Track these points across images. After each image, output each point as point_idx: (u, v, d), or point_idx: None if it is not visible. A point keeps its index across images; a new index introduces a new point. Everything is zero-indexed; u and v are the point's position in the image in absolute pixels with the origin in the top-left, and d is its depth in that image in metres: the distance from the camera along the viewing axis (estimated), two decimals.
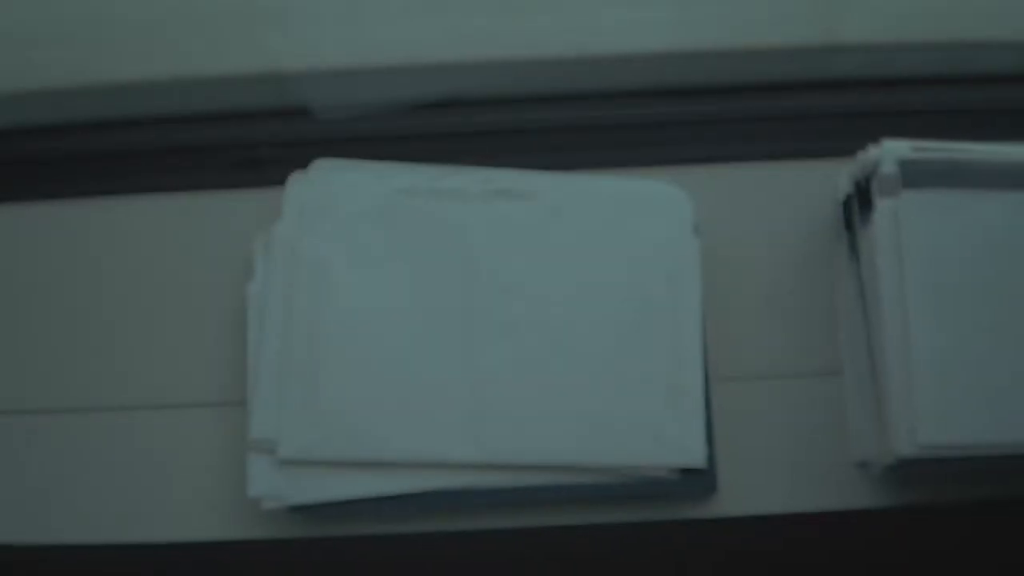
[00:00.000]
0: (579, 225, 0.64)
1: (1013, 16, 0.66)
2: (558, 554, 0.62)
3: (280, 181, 0.65)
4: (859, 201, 0.62)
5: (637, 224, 0.64)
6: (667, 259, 0.63)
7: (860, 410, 0.62)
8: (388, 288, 0.63)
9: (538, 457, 0.60)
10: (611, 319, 0.62)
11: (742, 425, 0.63)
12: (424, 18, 0.68)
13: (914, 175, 0.61)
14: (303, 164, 0.65)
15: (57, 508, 0.63)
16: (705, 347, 0.63)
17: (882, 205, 0.60)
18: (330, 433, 0.60)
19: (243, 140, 0.69)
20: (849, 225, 0.63)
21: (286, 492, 0.60)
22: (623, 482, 0.61)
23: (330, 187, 0.65)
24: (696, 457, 0.61)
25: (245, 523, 0.62)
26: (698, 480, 0.61)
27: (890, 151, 0.61)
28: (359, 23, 0.68)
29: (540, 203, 0.65)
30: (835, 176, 0.64)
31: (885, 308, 0.59)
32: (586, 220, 0.64)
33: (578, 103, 0.68)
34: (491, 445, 0.60)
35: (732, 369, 0.64)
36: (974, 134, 0.63)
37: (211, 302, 0.65)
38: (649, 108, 0.68)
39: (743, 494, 0.62)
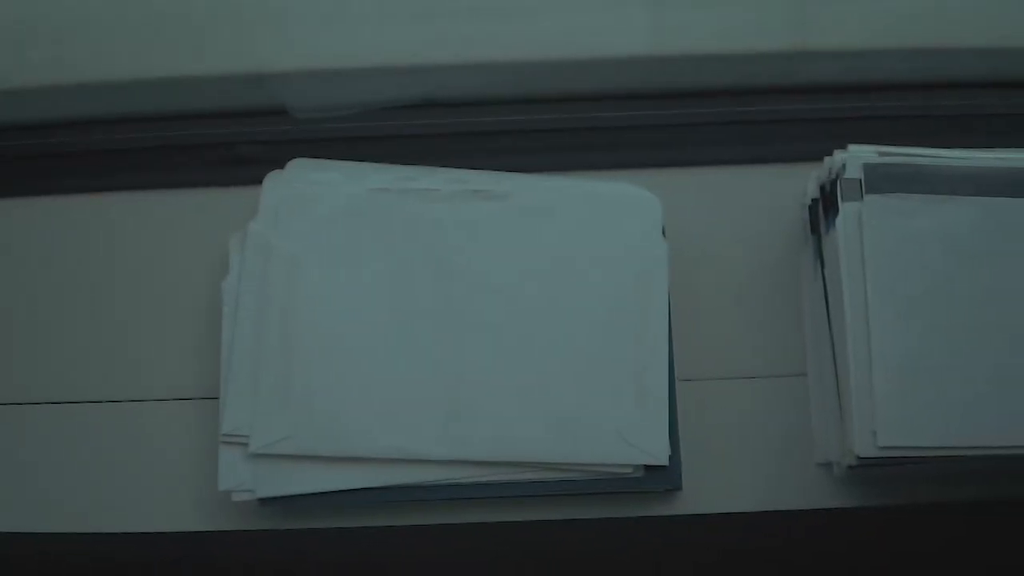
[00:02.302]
0: (550, 226, 0.65)
1: (981, 23, 0.67)
2: (525, 550, 0.63)
3: (258, 180, 0.66)
4: (824, 205, 0.63)
5: (607, 226, 0.65)
6: (636, 261, 0.64)
7: (823, 411, 0.63)
8: (361, 286, 0.64)
9: (504, 453, 0.61)
10: (580, 319, 0.63)
11: (708, 424, 0.64)
12: (401, 21, 0.69)
13: (879, 180, 0.61)
14: (281, 163, 0.67)
15: (30, 497, 0.64)
16: (672, 347, 0.64)
17: (845, 209, 0.61)
18: (300, 427, 0.61)
19: (222, 139, 0.70)
20: (815, 229, 0.64)
21: (256, 485, 0.61)
22: (589, 479, 0.62)
23: (305, 186, 0.66)
24: (659, 455, 0.61)
25: (216, 515, 0.63)
26: (662, 478, 0.62)
27: (855, 156, 0.62)
28: (338, 25, 0.69)
29: (512, 204, 0.65)
30: (803, 180, 0.65)
31: (847, 311, 0.60)
32: (557, 221, 0.65)
33: (552, 106, 0.69)
34: (459, 440, 0.61)
35: (699, 369, 0.65)
36: (943, 139, 0.64)
37: (188, 298, 0.66)
38: (621, 111, 0.69)
39: (708, 493, 0.63)
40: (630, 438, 0.61)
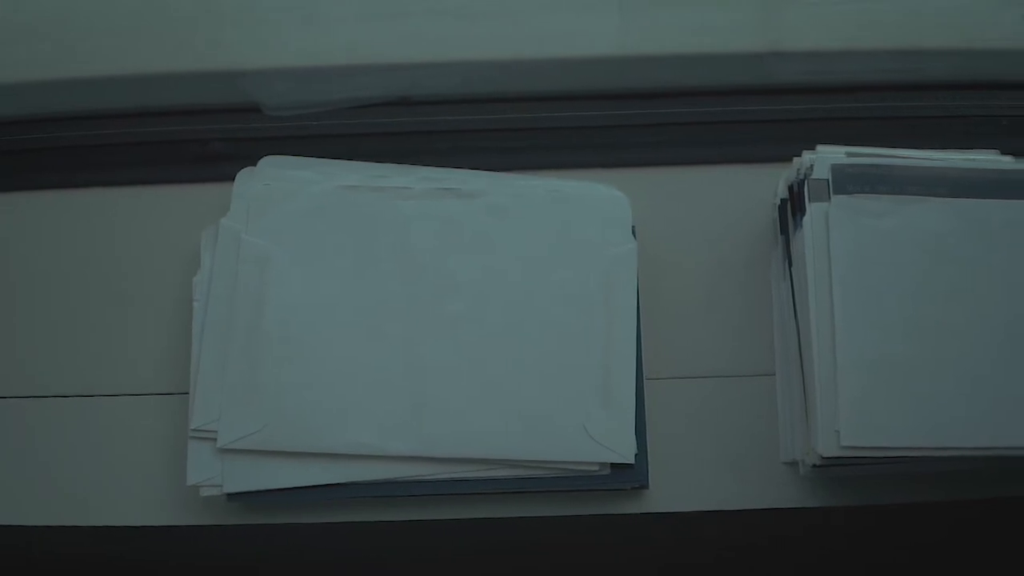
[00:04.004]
0: (519, 225, 0.65)
1: (951, 25, 0.67)
2: (492, 546, 0.63)
3: (231, 176, 0.66)
4: (792, 206, 0.63)
5: (576, 224, 0.65)
6: (605, 259, 0.65)
7: (790, 410, 0.63)
8: (331, 282, 0.64)
9: (472, 450, 0.62)
10: (548, 317, 0.64)
11: (676, 423, 0.64)
12: (375, 20, 0.69)
13: (847, 180, 0.62)
14: (254, 160, 0.67)
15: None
16: (640, 346, 0.64)
17: (813, 209, 0.61)
18: (269, 423, 0.62)
19: (196, 136, 0.70)
20: (784, 229, 0.65)
21: (224, 480, 0.61)
22: (556, 476, 0.62)
23: (277, 183, 0.66)
24: (626, 453, 0.62)
25: (185, 510, 0.63)
26: (629, 476, 0.62)
27: (823, 157, 0.63)
28: (311, 23, 0.69)
29: (482, 202, 0.66)
30: (774, 181, 0.65)
31: (812, 311, 0.60)
32: (526, 220, 0.65)
33: (524, 105, 0.70)
34: (427, 437, 0.62)
35: (667, 368, 0.65)
36: (913, 141, 0.64)
37: (160, 293, 0.67)
38: (592, 111, 0.69)
39: (675, 491, 0.63)
40: (597, 436, 0.62)
